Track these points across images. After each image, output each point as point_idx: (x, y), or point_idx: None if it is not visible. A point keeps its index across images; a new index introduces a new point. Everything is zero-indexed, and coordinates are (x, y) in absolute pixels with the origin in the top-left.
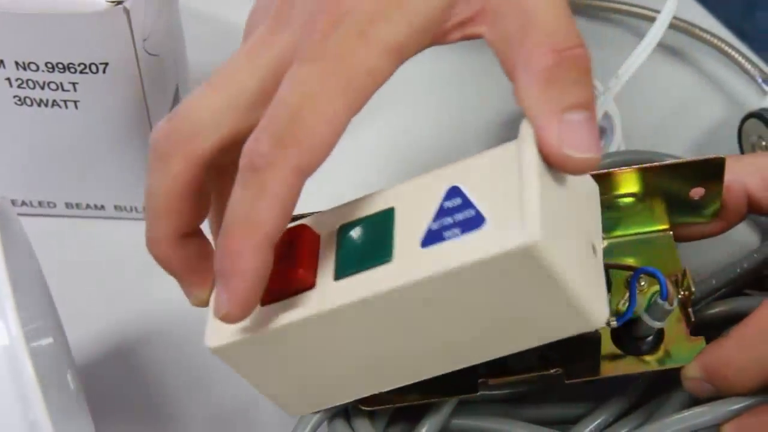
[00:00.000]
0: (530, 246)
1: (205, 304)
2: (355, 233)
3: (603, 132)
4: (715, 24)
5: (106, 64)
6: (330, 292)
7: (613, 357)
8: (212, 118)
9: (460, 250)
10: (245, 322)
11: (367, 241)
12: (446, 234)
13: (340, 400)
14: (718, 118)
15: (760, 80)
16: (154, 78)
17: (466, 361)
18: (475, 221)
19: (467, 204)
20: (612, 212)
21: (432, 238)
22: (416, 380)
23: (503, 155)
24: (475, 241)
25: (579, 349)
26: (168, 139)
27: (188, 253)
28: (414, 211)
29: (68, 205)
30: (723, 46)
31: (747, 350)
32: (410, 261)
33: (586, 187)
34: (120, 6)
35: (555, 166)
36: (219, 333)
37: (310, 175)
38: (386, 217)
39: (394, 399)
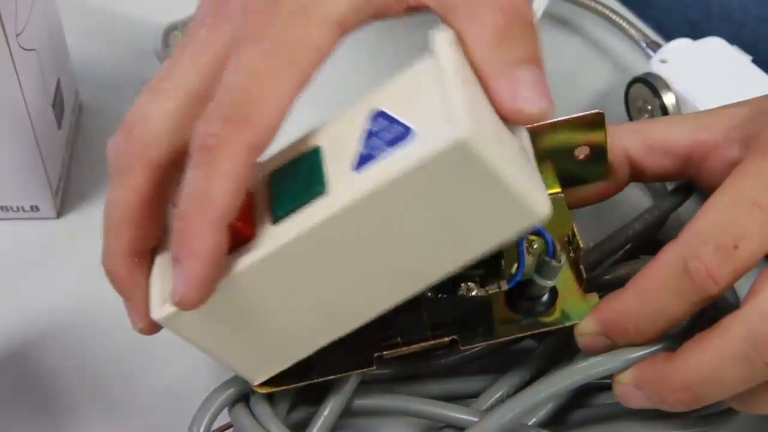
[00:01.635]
0: (462, 139)
1: (146, 333)
2: (285, 176)
3: None
4: None
5: None
6: (269, 236)
7: (509, 321)
8: (166, 125)
9: (393, 163)
10: None
11: (299, 180)
12: (377, 153)
13: (301, 355)
14: (606, 85)
15: (644, 45)
16: (31, 73)
17: (419, 284)
18: (404, 135)
19: (393, 122)
20: None
21: (363, 161)
22: (373, 316)
23: (419, 71)
24: (407, 151)
25: (472, 315)
26: (124, 152)
27: (141, 274)
28: (341, 143)
29: None
30: (607, 12)
31: (647, 300)
32: (345, 186)
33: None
34: None
35: (510, 119)
36: (164, 303)
37: (261, 153)
38: (314, 155)
39: (292, 380)
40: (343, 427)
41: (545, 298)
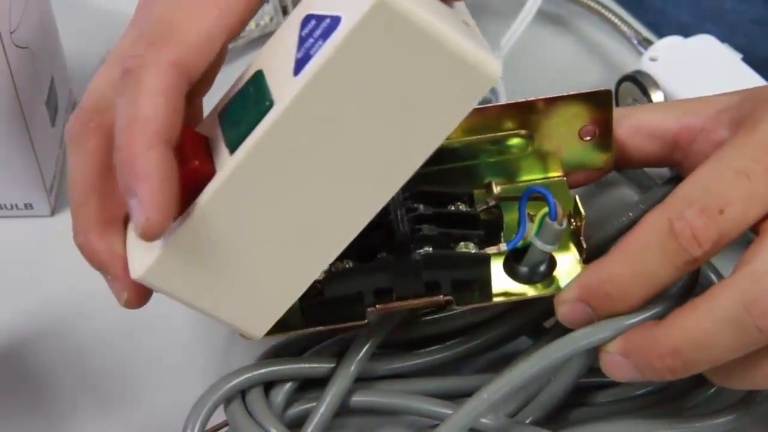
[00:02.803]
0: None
1: (134, 306)
2: (234, 109)
3: (488, 104)
4: None
5: None
6: (227, 165)
7: (506, 287)
8: (114, 91)
9: (324, 50)
10: (164, 236)
11: (248, 106)
12: (313, 52)
13: (294, 293)
14: (598, 82)
15: (636, 42)
16: (25, 71)
17: (389, 184)
18: (333, 25)
19: (321, 19)
20: (505, 155)
21: (301, 64)
22: (353, 232)
23: None
24: (335, 35)
25: (468, 273)
26: (76, 123)
27: (116, 242)
28: (280, 59)
29: None
30: (600, 9)
31: (631, 262)
32: (287, 92)
33: None
34: None
35: None
36: (142, 259)
37: (192, 76)
38: (257, 78)
39: (279, 330)
40: (340, 425)
41: (544, 267)
